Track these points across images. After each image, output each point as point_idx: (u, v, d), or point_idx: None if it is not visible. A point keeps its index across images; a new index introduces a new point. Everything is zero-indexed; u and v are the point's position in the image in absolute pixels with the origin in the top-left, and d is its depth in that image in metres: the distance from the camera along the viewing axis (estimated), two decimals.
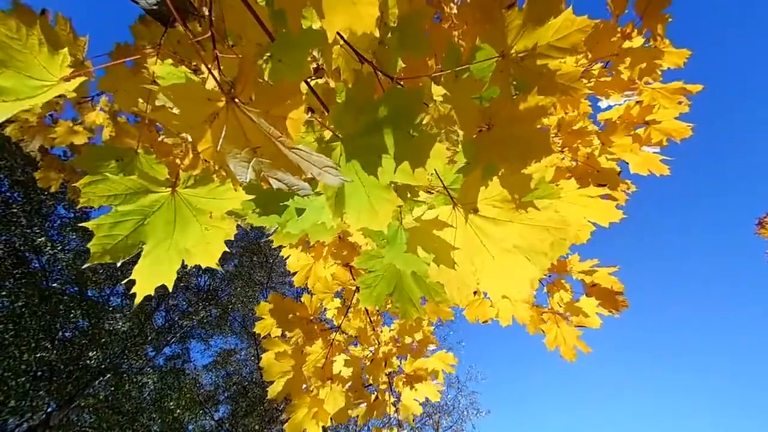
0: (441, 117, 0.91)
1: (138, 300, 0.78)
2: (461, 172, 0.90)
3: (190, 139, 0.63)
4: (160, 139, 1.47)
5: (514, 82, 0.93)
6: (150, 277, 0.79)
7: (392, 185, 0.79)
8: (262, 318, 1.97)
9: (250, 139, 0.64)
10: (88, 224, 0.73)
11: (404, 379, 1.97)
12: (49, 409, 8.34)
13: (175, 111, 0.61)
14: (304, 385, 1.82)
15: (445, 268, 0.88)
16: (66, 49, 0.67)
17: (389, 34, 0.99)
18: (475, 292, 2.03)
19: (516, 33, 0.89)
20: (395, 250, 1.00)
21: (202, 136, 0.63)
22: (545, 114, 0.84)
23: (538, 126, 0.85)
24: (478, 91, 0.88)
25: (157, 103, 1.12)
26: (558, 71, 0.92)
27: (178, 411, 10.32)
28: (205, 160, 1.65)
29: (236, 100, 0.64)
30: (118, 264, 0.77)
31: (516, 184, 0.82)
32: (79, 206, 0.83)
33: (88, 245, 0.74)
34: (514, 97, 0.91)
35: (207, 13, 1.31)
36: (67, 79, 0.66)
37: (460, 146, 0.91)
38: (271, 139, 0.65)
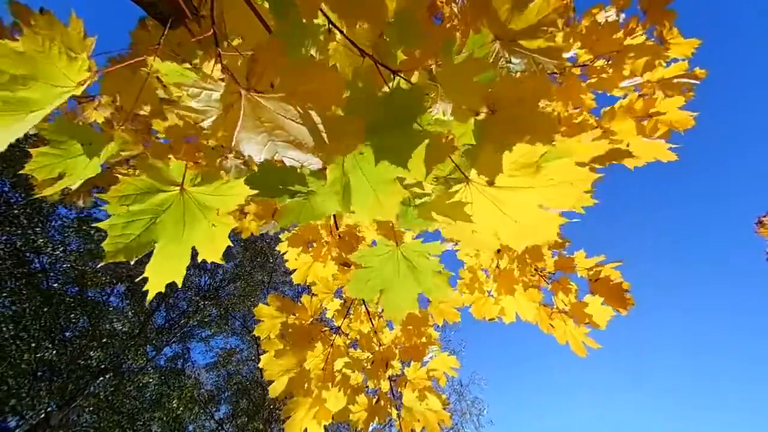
0: (443, 101, 0.93)
1: (150, 297, 0.80)
2: (467, 155, 0.91)
3: (207, 128, 0.68)
4: (154, 139, 1.47)
5: (509, 64, 1.00)
6: (162, 274, 0.82)
7: (397, 180, 0.80)
8: (262, 320, 1.97)
9: (265, 124, 0.69)
10: (102, 224, 0.75)
11: (407, 384, 1.95)
12: (49, 409, 8.35)
13: (192, 104, 0.66)
14: (305, 386, 1.81)
15: (462, 230, 0.91)
16: (85, 54, 0.68)
17: (387, 28, 1.00)
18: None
19: (506, 17, 0.97)
20: (406, 221, 1.01)
21: (218, 125, 0.68)
22: (546, 93, 0.88)
23: (541, 108, 0.89)
24: (479, 74, 0.90)
25: (162, 95, 1.13)
26: (545, 49, 0.99)
27: (178, 411, 10.33)
28: (213, 148, 1.65)
29: (252, 90, 0.67)
30: (132, 262, 0.79)
31: (529, 151, 0.84)
32: (22, 171, 0.83)
33: (103, 244, 0.76)
34: (516, 77, 0.96)
35: (207, 13, 1.31)
36: (82, 83, 0.67)
37: (462, 129, 0.92)
38: (286, 121, 0.69)
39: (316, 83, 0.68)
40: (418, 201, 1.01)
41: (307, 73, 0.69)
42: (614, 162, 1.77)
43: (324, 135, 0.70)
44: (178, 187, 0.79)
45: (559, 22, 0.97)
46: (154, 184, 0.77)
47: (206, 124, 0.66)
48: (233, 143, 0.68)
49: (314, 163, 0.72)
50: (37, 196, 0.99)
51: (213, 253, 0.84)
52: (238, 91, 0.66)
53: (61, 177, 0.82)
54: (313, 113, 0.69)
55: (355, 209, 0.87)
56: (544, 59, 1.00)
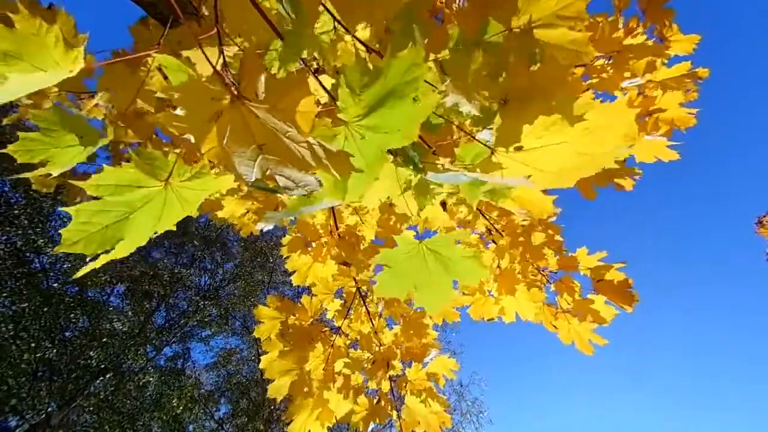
0: (454, 92, 0.91)
1: (82, 273, 0.70)
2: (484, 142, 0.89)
3: (192, 140, 0.62)
4: (155, 137, 1.47)
5: (533, 53, 0.94)
6: (111, 257, 0.75)
7: (394, 154, 0.77)
8: (262, 321, 1.96)
9: (255, 136, 0.63)
10: (68, 209, 0.68)
11: (407, 385, 1.94)
12: (49, 409, 8.35)
13: (178, 112, 0.60)
14: (306, 388, 1.80)
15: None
16: (82, 48, 0.67)
17: (393, 23, 0.99)
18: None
19: (520, 7, 0.92)
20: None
21: (206, 135, 0.62)
22: (561, 83, 0.83)
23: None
24: (488, 62, 0.87)
25: (158, 95, 1.12)
26: (570, 37, 0.93)
27: (178, 411, 10.32)
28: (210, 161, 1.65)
29: (241, 97, 0.63)
30: (87, 259, 0.70)
31: (558, 104, 0.79)
32: (3, 150, 0.80)
33: (63, 230, 0.68)
34: (530, 69, 0.91)
35: (206, 12, 1.31)
36: (72, 71, 0.66)
37: (475, 120, 0.90)
38: (277, 134, 0.64)
39: (291, 100, 0.64)
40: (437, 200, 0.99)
41: (282, 87, 0.64)
42: (613, 181, 1.77)
43: (306, 155, 0.65)
44: (163, 183, 0.75)
45: (585, 12, 0.90)
46: (139, 179, 0.72)
47: (192, 137, 0.60)
48: (221, 157, 0.62)
49: (310, 183, 0.66)
50: (14, 177, 0.97)
51: (168, 225, 0.78)
52: (225, 98, 0.62)
53: (42, 164, 0.79)
54: (293, 132, 0.64)
55: (350, 192, 0.83)
56: (565, 51, 0.94)
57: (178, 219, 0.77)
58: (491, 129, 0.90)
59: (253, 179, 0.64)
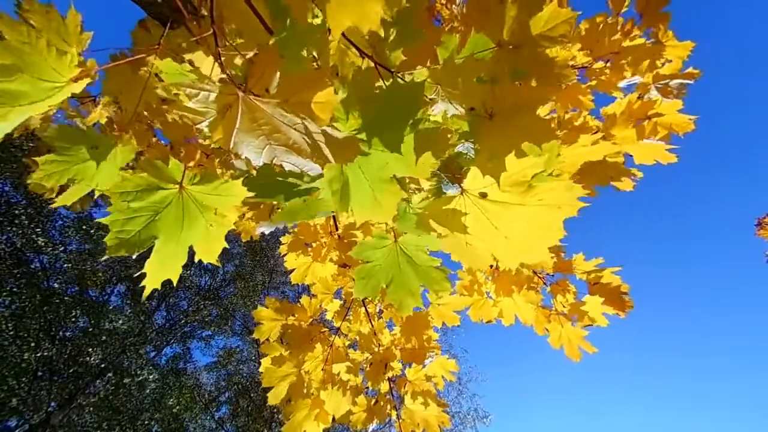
0: (443, 101, 0.93)
1: (147, 293, 0.80)
2: (461, 158, 0.92)
3: (205, 129, 0.67)
4: (155, 140, 1.48)
5: (519, 69, 0.97)
6: (160, 271, 0.81)
7: (395, 177, 0.80)
8: (261, 323, 1.97)
9: (262, 127, 0.68)
10: (104, 220, 0.75)
11: (406, 385, 1.95)
12: (49, 409, 8.35)
13: (190, 104, 0.65)
14: (305, 389, 1.81)
15: (457, 241, 0.93)
16: (74, 49, 0.67)
17: (388, 28, 1.00)
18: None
19: (510, 24, 0.95)
20: (405, 224, 1.03)
21: (216, 126, 0.67)
22: (545, 101, 0.87)
23: (539, 114, 0.90)
24: (478, 74, 0.90)
25: (161, 93, 1.14)
26: (551, 59, 0.98)
27: (176, 408, 10.32)
28: (206, 155, 1.66)
29: (249, 93, 0.67)
30: (134, 256, 0.80)
31: (525, 167, 0.86)
32: (30, 181, 0.83)
33: (105, 239, 0.77)
34: (515, 84, 0.95)
35: (206, 13, 1.31)
36: (75, 80, 0.66)
37: (459, 128, 0.92)
38: (284, 126, 0.69)
39: (307, 94, 0.68)
40: (416, 202, 1.01)
41: (298, 83, 0.69)
42: (613, 181, 1.79)
43: (320, 145, 0.70)
44: (177, 185, 0.79)
45: (570, 34, 0.96)
46: (153, 182, 0.77)
47: (203, 125, 0.66)
48: (231, 146, 0.68)
49: (313, 169, 0.72)
50: (55, 205, 0.99)
51: (209, 253, 0.83)
52: (235, 93, 0.66)
53: (70, 183, 0.82)
54: (307, 122, 0.69)
55: (354, 209, 0.86)
56: (551, 70, 0.99)
57: (204, 230, 0.82)
58: (472, 142, 0.93)
59: (260, 164, 0.70)
